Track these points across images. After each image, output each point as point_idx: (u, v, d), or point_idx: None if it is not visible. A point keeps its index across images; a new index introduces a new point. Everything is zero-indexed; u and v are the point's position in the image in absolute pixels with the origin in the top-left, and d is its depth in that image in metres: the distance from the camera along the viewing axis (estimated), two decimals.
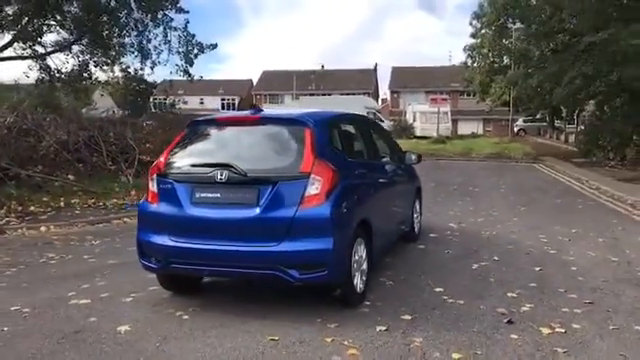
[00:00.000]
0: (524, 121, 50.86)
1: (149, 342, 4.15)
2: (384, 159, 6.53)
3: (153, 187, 4.85)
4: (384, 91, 66.57)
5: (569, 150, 27.87)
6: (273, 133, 4.93)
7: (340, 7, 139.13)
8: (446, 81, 60.97)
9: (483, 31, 41.46)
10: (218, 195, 4.59)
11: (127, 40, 20.73)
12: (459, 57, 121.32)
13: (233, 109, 68.18)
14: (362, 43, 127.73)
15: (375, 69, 63.68)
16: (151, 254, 4.80)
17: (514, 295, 5.20)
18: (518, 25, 35.16)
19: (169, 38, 20.83)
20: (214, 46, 21.40)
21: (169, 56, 21.00)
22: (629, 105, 22.32)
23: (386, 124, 42.57)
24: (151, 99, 39.16)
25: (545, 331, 4.29)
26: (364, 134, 6.11)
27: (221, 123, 5.33)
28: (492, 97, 40.46)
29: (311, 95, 58.14)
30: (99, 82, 23.24)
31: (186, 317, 4.68)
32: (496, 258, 6.67)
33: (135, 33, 20.64)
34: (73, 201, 11.21)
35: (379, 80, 66.30)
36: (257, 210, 4.42)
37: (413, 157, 7.03)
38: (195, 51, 20.81)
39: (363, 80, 64.08)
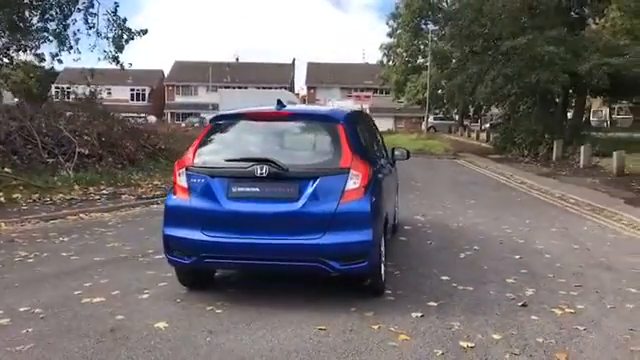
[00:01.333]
0: (434, 119, 53.32)
1: (198, 337, 4.14)
2: (384, 154, 6.82)
3: (182, 182, 4.78)
4: (300, 86, 67.00)
5: (482, 147, 29.72)
6: (306, 129, 5.04)
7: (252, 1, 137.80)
8: (360, 78, 62.52)
9: (399, 31, 43.03)
10: (257, 189, 4.62)
11: (50, 25, 19.43)
12: (373, 55, 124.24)
13: (143, 100, 65.74)
14: (278, 37, 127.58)
15: (293, 64, 63.89)
16: (181, 249, 4.74)
17: (512, 281, 5.66)
18: (432, 27, 36.95)
19: (93, 22, 19.78)
20: (144, 32, 20.52)
21: (96, 41, 19.91)
22: (539, 106, 24.25)
23: None
24: (53, 88, 36.81)
25: (558, 312, 4.74)
26: (370, 131, 6.35)
27: (251, 118, 5.32)
28: (407, 95, 42.11)
29: (226, 87, 57.20)
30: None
31: (219, 311, 4.68)
32: (476, 248, 7.16)
33: (57, 17, 19.39)
34: (15, 196, 10.54)
35: (296, 75, 66.58)
36: (299, 204, 4.52)
37: (403, 153, 7.35)
38: (125, 37, 19.90)
39: (280, 74, 64.12)
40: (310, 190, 4.53)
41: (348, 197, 4.53)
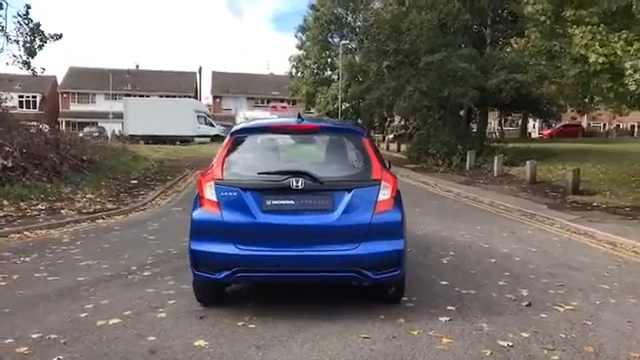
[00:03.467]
0: None
1: (249, 353, 4.10)
2: None
3: (211, 195, 4.68)
4: (206, 95, 65.84)
5: (395, 156, 30.96)
6: (333, 142, 5.14)
7: (152, 6, 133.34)
8: (267, 89, 62.73)
9: (308, 44, 43.85)
10: (292, 202, 4.64)
11: None
12: (277, 66, 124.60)
13: (34, 108, 61.30)
14: (179, 45, 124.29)
15: (200, 72, 62.67)
16: (211, 264, 4.62)
17: (503, 283, 6.09)
18: (343, 41, 38.08)
19: (2, 25, 18.30)
20: (59, 36, 19.25)
21: (4, 45, 18.38)
22: (449, 119, 25.82)
23: (217, 129, 42.45)
24: None
25: (560, 309, 5.21)
26: None
27: (275, 131, 5.30)
28: (318, 106, 42.88)
29: (127, 95, 54.95)
30: None
31: (253, 326, 4.64)
32: (452, 253, 7.59)
33: None
34: None
35: (202, 84, 65.27)
36: (335, 215, 4.61)
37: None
38: (38, 41, 18.55)
39: (184, 83, 62.60)
40: (345, 202, 4.64)
41: (381, 208, 4.69)
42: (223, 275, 4.61)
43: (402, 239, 4.75)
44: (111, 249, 7.75)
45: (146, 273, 6.38)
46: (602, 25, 10.04)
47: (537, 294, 5.71)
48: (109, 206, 11.82)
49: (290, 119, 5.35)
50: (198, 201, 4.79)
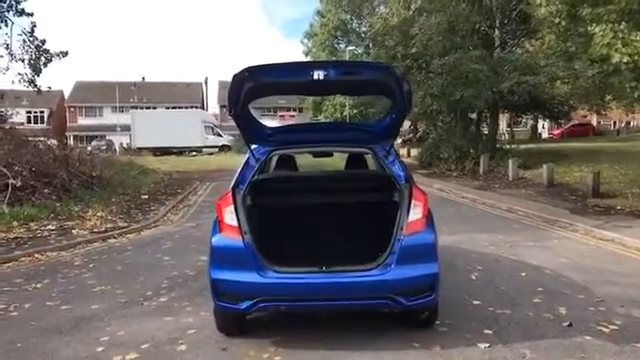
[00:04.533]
0: None
1: None
2: None
3: (232, 220, 4.41)
4: (213, 105, 65.80)
5: (405, 162, 30.63)
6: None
7: (156, 17, 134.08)
8: (274, 97, 62.20)
9: (314, 50, 43.70)
10: None
11: None
12: None
13: (42, 123, 61.51)
14: (185, 56, 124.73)
15: (206, 82, 62.63)
16: (234, 294, 4.35)
17: (539, 300, 5.77)
18: (350, 47, 37.89)
19: (8, 43, 18.24)
20: (65, 54, 19.23)
21: (9, 63, 18.33)
22: (460, 122, 25.48)
23: (225, 139, 42.32)
24: None
25: (605, 330, 4.89)
26: None
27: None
28: (325, 114, 42.67)
29: (134, 108, 55.00)
30: None
31: (279, 358, 4.35)
32: (480, 267, 7.27)
33: None
34: None
35: (209, 94, 65.24)
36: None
37: None
38: (43, 59, 18.50)
39: (190, 93, 62.63)
40: None
41: (412, 229, 4.40)
42: (246, 305, 4.33)
43: (436, 262, 4.45)
44: (125, 272, 7.50)
45: (162, 299, 6.11)
46: (623, 23, 9.71)
47: (576, 312, 5.39)
48: (120, 224, 11.59)
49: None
50: (217, 226, 4.52)
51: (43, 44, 18.24)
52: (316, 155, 6.16)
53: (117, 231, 10.81)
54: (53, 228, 10.74)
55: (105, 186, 16.11)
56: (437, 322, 5.03)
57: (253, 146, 5.00)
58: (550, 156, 21.97)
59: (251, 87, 4.24)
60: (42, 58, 18.54)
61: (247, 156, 4.95)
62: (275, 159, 5.89)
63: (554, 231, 10.43)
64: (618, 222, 10.70)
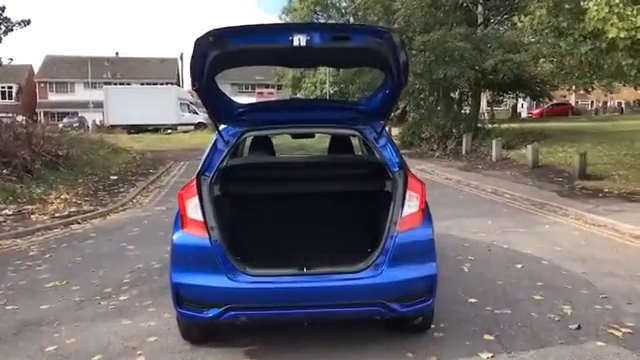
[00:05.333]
0: None
1: None
2: None
3: (196, 214, 3.75)
4: (188, 82, 64.18)
5: None
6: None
7: None
8: (251, 74, 60.99)
9: None
10: None
11: None
12: None
13: (10, 98, 59.46)
14: (159, 32, 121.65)
15: (181, 58, 60.91)
16: (199, 301, 3.71)
17: (540, 297, 5.24)
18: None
19: None
20: (27, 22, 17.93)
21: None
22: (443, 101, 24.95)
23: (201, 116, 41.24)
24: None
25: (617, 333, 4.37)
26: None
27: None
28: (305, 91, 41.80)
29: (107, 84, 53.34)
30: None
31: None
32: (471, 257, 6.74)
33: None
34: None
35: (184, 71, 63.56)
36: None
37: None
38: (3, 28, 17.27)
39: (165, 70, 60.91)
40: None
41: (407, 224, 3.80)
42: (213, 314, 3.69)
43: (434, 262, 3.87)
44: (84, 264, 6.81)
45: (122, 297, 5.45)
46: None
47: (583, 312, 4.88)
48: (86, 208, 10.82)
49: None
50: (180, 221, 3.86)
51: (2, 11, 17.00)
52: (295, 136, 5.52)
53: (81, 216, 10.06)
54: (10, 213, 9.95)
55: (72, 166, 15.26)
56: (432, 325, 4.48)
57: (222, 126, 4.34)
58: (532, 136, 21.59)
59: (217, 55, 3.54)
60: (1, 27, 17.31)
61: (215, 138, 4.27)
62: (249, 141, 5.23)
63: (544, 216, 9.97)
64: (608, 206, 10.28)
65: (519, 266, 6.40)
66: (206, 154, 4.09)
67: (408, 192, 3.85)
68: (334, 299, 3.69)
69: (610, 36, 9.24)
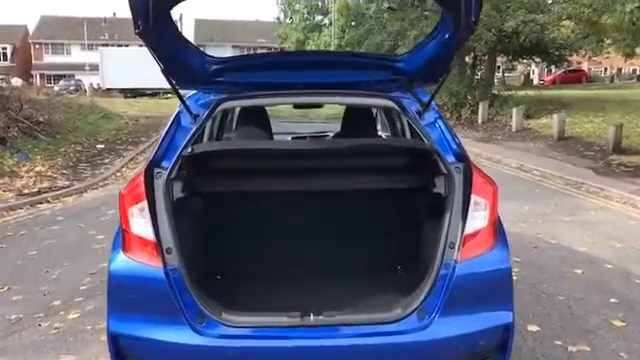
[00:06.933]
0: None
1: None
2: None
3: (145, 229, 2.42)
4: None
5: None
6: None
7: None
8: (253, 36, 59.43)
9: None
10: None
11: None
12: (263, 13, 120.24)
13: (5, 60, 57.69)
14: None
15: (180, 19, 58.61)
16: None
17: (620, 324, 3.96)
18: None
19: None
20: None
21: None
22: (457, 67, 23.31)
23: None
24: None
25: None
26: None
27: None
28: None
29: (104, 45, 51.53)
30: None
31: None
32: (517, 259, 5.39)
33: None
34: None
35: (184, 32, 61.34)
36: None
37: None
38: None
39: None
40: None
41: (472, 247, 2.46)
42: None
43: (510, 302, 2.55)
44: (37, 261, 5.55)
45: (72, 314, 4.18)
46: None
47: None
48: (60, 183, 9.54)
49: None
50: (120, 239, 2.53)
51: None
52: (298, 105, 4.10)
53: (52, 193, 8.79)
54: None
55: (54, 134, 13.89)
56: None
57: (188, 93, 2.99)
58: (551, 104, 20.15)
59: None
60: None
61: (177, 111, 2.90)
62: (237, 112, 3.85)
63: (585, 198, 8.65)
64: None
65: (578, 272, 5.10)
66: (162, 135, 2.73)
67: (473, 196, 2.50)
68: None
69: None
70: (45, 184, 9.28)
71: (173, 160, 2.57)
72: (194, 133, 2.69)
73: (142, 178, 2.48)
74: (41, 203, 8.27)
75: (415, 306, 2.40)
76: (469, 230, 2.46)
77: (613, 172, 10.50)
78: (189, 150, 2.62)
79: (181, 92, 2.85)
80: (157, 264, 2.39)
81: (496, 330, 2.47)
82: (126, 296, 2.43)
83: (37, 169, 10.31)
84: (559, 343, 3.64)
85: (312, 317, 2.40)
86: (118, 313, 2.44)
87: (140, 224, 2.43)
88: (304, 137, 5.47)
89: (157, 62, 2.52)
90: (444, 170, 2.63)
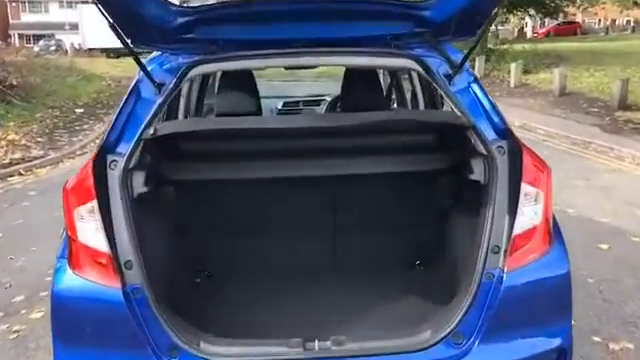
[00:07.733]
0: None
1: None
2: None
3: (97, 237, 1.85)
4: (175, 1, 60.18)
5: None
6: None
7: None
8: None
9: None
10: None
11: None
12: None
13: None
14: None
15: None
16: None
17: None
18: None
19: None
20: None
21: None
22: None
23: None
24: None
25: None
26: None
27: None
28: None
29: (84, 3, 49.59)
30: None
31: None
32: None
33: None
34: None
35: None
36: None
37: None
38: None
39: None
40: None
41: (522, 252, 1.91)
42: None
43: (569, 317, 2.02)
44: (2, 244, 4.98)
45: (36, 314, 3.65)
46: None
47: None
48: (34, 153, 8.89)
49: None
50: (66, 252, 1.96)
51: None
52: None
53: (25, 164, 8.16)
54: None
55: (29, 98, 13.11)
56: None
57: (148, 56, 2.38)
58: (549, 58, 19.58)
59: None
60: None
61: (135, 79, 2.27)
62: (219, 75, 3.19)
63: (595, 160, 8.16)
64: None
65: (605, 247, 4.62)
66: (117, 112, 2.12)
67: (523, 185, 1.94)
68: None
69: None
70: (17, 154, 8.62)
71: (132, 144, 1.97)
72: (158, 108, 2.08)
73: (91, 170, 1.88)
74: (12, 176, 7.66)
75: (450, 328, 1.86)
76: (519, 230, 1.91)
77: (621, 130, 9.99)
78: (151, 131, 2.02)
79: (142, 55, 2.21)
80: (113, 283, 1.82)
81: (549, 353, 1.94)
82: (76, 325, 1.88)
83: (9, 137, 9.60)
84: (598, 340, 3.16)
85: (317, 344, 1.86)
86: (66, 347, 1.89)
87: (90, 230, 1.85)
88: (297, 102, 4.86)
89: (103, 14, 1.88)
90: (483, 150, 2.06)
